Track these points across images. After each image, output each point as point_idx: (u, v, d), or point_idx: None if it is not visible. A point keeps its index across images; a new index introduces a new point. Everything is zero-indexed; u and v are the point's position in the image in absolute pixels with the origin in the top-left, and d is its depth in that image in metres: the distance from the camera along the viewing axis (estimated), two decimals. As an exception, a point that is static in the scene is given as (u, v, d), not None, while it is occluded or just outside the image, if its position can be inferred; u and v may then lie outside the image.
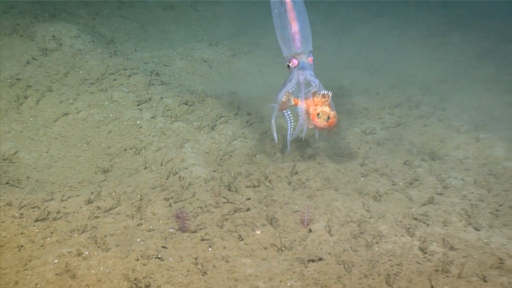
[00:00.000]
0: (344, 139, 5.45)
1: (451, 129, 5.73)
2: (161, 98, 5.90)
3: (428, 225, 4.08)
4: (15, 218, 3.85)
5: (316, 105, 4.51)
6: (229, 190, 4.45)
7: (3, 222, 3.78)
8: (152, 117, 5.54)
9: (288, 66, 4.59)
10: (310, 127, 4.64)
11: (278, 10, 4.66)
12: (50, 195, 4.26)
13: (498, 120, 5.96)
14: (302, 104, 4.56)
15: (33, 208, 4.01)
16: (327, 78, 6.99)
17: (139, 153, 5.07)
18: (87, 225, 3.87)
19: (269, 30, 8.61)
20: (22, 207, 3.99)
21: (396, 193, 4.53)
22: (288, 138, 4.79)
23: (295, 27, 4.56)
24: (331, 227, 3.93)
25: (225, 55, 7.43)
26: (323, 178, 4.71)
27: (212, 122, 5.54)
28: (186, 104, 5.83)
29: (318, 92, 4.55)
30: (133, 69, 6.43)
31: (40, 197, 4.18)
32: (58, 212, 3.99)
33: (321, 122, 4.51)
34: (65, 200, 4.20)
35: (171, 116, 5.58)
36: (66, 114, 5.54)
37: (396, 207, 4.32)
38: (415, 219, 4.14)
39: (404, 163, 5.05)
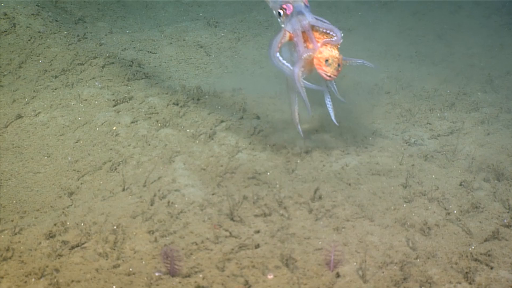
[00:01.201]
0: (382, 151, 5.35)
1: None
2: (145, 96, 5.82)
3: (492, 268, 4.01)
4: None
5: (321, 47, 4.35)
6: (232, 220, 4.38)
7: None
8: (132, 122, 5.47)
9: (280, 14, 4.45)
10: (308, 74, 4.51)
11: None
12: (5, 225, 4.20)
13: None
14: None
15: (-23, 244, 3.95)
16: (359, 70, 6.93)
17: (115, 169, 5.00)
18: (47, 266, 3.82)
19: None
20: (-38, 242, 3.94)
21: (450, 225, 4.45)
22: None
23: None
24: (365, 271, 3.86)
25: (227, 39, 7.34)
26: (355, 204, 4.62)
27: (211, 128, 5.45)
28: (177, 104, 5.75)
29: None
30: (108, 57, 6.37)
31: (-14, 229, 4.13)
32: (9, 249, 3.94)
33: (330, 71, 4.36)
34: (19, 232, 4.14)
35: (157, 121, 5.51)
36: (21, 117, 5.48)
37: (450, 244, 4.25)
38: (476, 260, 4.06)
39: (460, 184, 4.97)
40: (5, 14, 6.40)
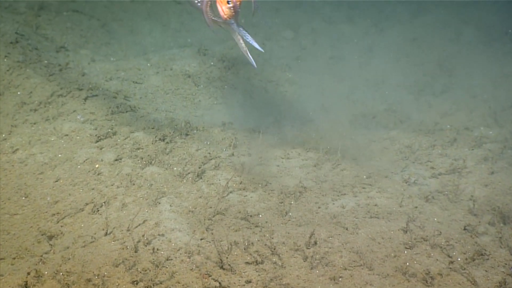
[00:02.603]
0: (380, 191, 5.28)
1: (528, 178, 5.57)
2: (130, 131, 5.75)
3: (498, 324, 3.93)
4: None
5: None
6: (222, 268, 4.29)
7: None
8: (116, 159, 5.39)
9: None
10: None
11: None
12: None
13: None
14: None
15: None
16: (353, 101, 6.87)
17: (98, 211, 4.92)
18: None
19: (277, 30, 8.56)
20: None
21: (455, 274, 4.38)
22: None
23: None
24: (364, 327, 3.78)
25: (216, 68, 7.28)
26: (352, 251, 4.55)
27: (199, 167, 5.39)
28: (163, 140, 5.69)
29: None
30: (91, 89, 6.31)
31: (-42, 279, 4.03)
32: (-18, 303, 3.84)
33: (227, 13, 4.36)
34: (-7, 284, 4.04)
35: (142, 158, 5.43)
36: (-2, 153, 5.38)
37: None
38: (482, 314, 3.99)
39: (464, 229, 4.90)
40: (-17, 43, 6.32)
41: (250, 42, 4.68)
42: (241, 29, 4.54)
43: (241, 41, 4.59)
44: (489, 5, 9.35)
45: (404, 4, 9.28)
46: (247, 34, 4.65)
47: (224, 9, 4.27)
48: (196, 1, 4.36)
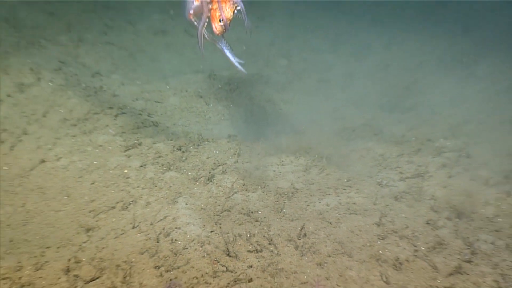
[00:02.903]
0: (358, 192, 5.31)
1: (479, 181, 5.59)
2: (152, 142, 5.77)
3: (455, 300, 3.95)
4: (-16, 293, 3.71)
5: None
6: (228, 255, 4.31)
7: (-30, 298, 3.65)
8: (141, 166, 5.41)
9: None
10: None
11: None
12: (26, 259, 4.11)
13: (532, 170, 5.83)
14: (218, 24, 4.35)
15: (4, 279, 3.87)
16: (337, 117, 6.88)
17: (126, 208, 4.93)
18: (66, 300, 3.73)
19: (273, 59, 8.57)
20: (-8, 278, 3.85)
21: (419, 261, 4.39)
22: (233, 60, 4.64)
23: None
24: (345, 304, 3.79)
25: (223, 90, 7.31)
26: (335, 241, 4.57)
27: (209, 172, 5.41)
28: (180, 150, 5.71)
29: None
30: (121, 107, 6.32)
31: (13, 265, 4.04)
32: (32, 284, 3.86)
33: (219, 30, 4.31)
34: (41, 268, 4.05)
35: (162, 165, 5.46)
36: (44, 161, 5.40)
37: (419, 278, 4.19)
38: (441, 293, 4.00)
39: (427, 223, 4.92)
40: (31, 69, 6.34)
41: (230, 58, 4.64)
42: (226, 45, 4.53)
43: (227, 52, 4.57)
44: (449, 39, 9.36)
45: (378, 37, 9.29)
46: (230, 51, 4.63)
47: (216, 26, 4.28)
48: (194, 21, 4.34)
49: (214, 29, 4.31)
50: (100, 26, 8.20)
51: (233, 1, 4.27)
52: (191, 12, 4.30)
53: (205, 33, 4.38)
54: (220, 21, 4.24)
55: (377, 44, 8.94)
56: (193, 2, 4.30)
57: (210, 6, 4.26)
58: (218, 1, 4.19)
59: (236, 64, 4.60)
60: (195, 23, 4.35)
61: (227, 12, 4.24)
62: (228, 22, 4.28)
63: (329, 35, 8.74)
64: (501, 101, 7.37)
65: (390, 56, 8.57)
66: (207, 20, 4.31)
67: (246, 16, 4.27)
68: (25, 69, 6.43)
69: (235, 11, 4.31)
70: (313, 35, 8.70)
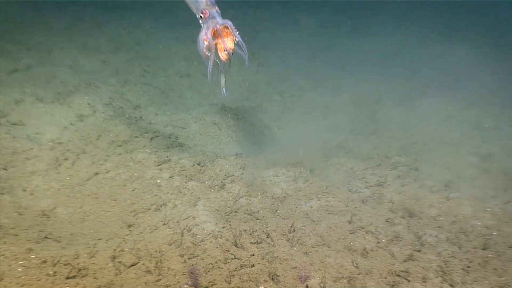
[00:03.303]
0: (334, 197, 5.25)
1: (425, 189, 5.53)
2: (178, 159, 5.72)
3: (409, 281, 3.88)
4: (50, 276, 3.65)
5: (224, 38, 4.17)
6: (236, 246, 4.25)
7: (38, 280, 3.58)
8: (170, 177, 5.37)
9: (201, 17, 4.22)
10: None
11: None
12: (83, 249, 4.05)
13: (465, 180, 5.77)
14: (223, 53, 4.20)
15: (66, 265, 3.81)
16: (317, 139, 6.85)
17: (158, 209, 4.88)
18: (112, 281, 3.67)
19: (269, 96, 8.54)
20: (56, 264, 3.79)
21: (380, 250, 4.33)
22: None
23: None
24: (325, 284, 3.73)
25: (232, 119, 7.28)
26: (317, 235, 4.51)
27: (221, 181, 5.36)
28: (199, 164, 5.66)
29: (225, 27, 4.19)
30: (155, 132, 6.29)
31: (72, 253, 3.98)
32: (86, 269, 3.79)
33: (225, 57, 4.20)
34: (94, 256, 3.99)
35: (186, 176, 5.41)
36: (97, 173, 5.36)
37: (381, 264, 4.12)
38: (398, 275, 3.94)
39: (386, 221, 4.86)
40: (89, 104, 6.31)
41: (222, 81, 4.57)
42: (223, 72, 4.47)
43: (222, 79, 4.52)
44: (400, 79, 9.35)
45: (348, 79, 9.28)
46: (224, 77, 4.55)
47: (222, 55, 4.24)
48: (205, 51, 4.28)
49: (221, 57, 4.27)
50: (140, 71, 8.18)
51: (233, 36, 4.24)
52: (204, 50, 4.27)
53: (216, 61, 4.33)
54: (224, 50, 4.21)
55: (347, 84, 8.92)
56: (203, 42, 4.27)
57: (215, 41, 4.22)
58: (221, 37, 4.16)
59: (223, 87, 4.55)
60: (208, 56, 4.29)
61: (229, 43, 4.20)
62: (231, 51, 4.24)
63: (311, 78, 8.72)
64: (441, 128, 7.34)
65: (357, 93, 8.54)
66: (215, 52, 4.27)
67: (245, 47, 4.22)
68: (84, 103, 6.40)
69: (236, 43, 4.18)
70: (299, 78, 8.69)
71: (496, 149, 6.55)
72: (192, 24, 10.42)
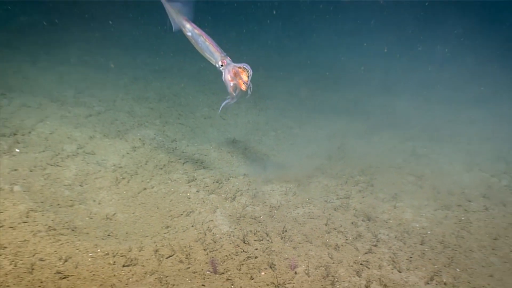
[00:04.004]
0: (314, 206, 5.16)
1: (378, 200, 5.45)
2: (203, 178, 5.65)
3: (369, 268, 3.78)
4: (110, 265, 3.56)
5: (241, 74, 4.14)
6: (244, 242, 4.16)
7: (102, 267, 3.49)
8: (196, 191, 5.29)
9: (222, 66, 4.17)
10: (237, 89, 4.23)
11: (191, 33, 4.20)
12: (134, 244, 3.97)
13: (406, 193, 5.69)
14: (244, 85, 4.15)
15: (122, 256, 3.72)
16: (301, 164, 6.77)
17: (188, 215, 4.80)
18: (156, 269, 3.58)
19: (268, 132, 8.50)
20: (115, 255, 3.71)
21: (348, 245, 4.23)
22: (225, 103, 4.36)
23: (211, 42, 4.19)
24: (309, 270, 3.63)
25: (242, 149, 7.23)
26: (303, 234, 4.42)
27: (233, 195, 5.28)
28: (217, 182, 5.59)
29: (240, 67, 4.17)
30: (186, 158, 6.24)
31: (126, 247, 3.90)
32: (136, 259, 3.70)
33: (244, 88, 4.13)
34: (142, 249, 3.91)
35: (208, 191, 5.33)
36: (145, 189, 5.29)
37: (349, 255, 4.03)
38: (361, 264, 3.85)
39: (352, 223, 4.77)
40: (140, 139, 6.28)
41: (228, 101, 4.42)
42: (235, 99, 4.37)
43: (231, 101, 4.41)
44: (359, 121, 9.30)
45: (324, 120, 9.23)
46: (227, 102, 4.43)
47: (242, 86, 4.15)
48: (230, 84, 4.23)
49: (242, 88, 4.18)
50: (176, 115, 8.18)
51: (247, 71, 4.12)
52: (230, 89, 4.16)
53: (233, 93, 4.19)
54: (243, 83, 4.16)
55: (323, 124, 8.89)
56: (229, 80, 4.22)
57: (236, 81, 4.18)
58: (238, 75, 4.13)
59: (224, 106, 4.31)
60: (233, 92, 4.18)
61: (245, 77, 4.12)
62: (247, 82, 4.19)
63: (298, 119, 8.71)
64: (388, 155, 7.27)
65: (330, 130, 8.50)
66: (236, 86, 4.15)
67: (250, 80, 4.13)
68: (136, 138, 6.37)
69: (249, 76, 4.13)
70: (288, 119, 8.66)
71: (427, 171, 6.48)
72: (212, 82, 10.42)
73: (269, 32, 18.41)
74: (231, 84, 4.18)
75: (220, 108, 4.27)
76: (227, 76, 4.16)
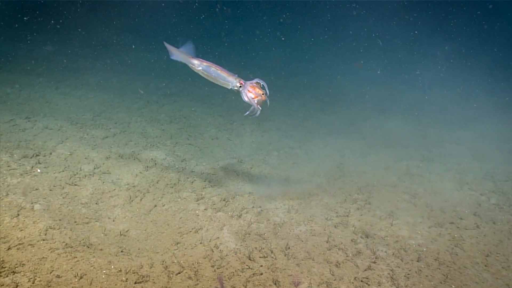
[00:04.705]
0: (316, 223, 5.06)
1: (376, 217, 5.35)
2: (211, 196, 5.58)
3: (369, 285, 3.68)
4: (123, 281, 3.47)
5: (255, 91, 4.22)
6: (250, 259, 4.06)
7: (115, 284, 3.40)
8: (205, 209, 5.22)
9: (240, 86, 4.19)
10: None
11: (201, 67, 4.23)
12: (145, 261, 3.88)
13: (401, 211, 5.59)
14: (265, 96, 4.25)
15: (134, 273, 3.63)
16: (302, 183, 6.68)
17: (197, 232, 4.72)
18: (165, 285, 3.48)
19: (271, 152, 8.45)
20: (127, 272, 3.62)
21: (348, 262, 4.13)
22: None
23: (222, 70, 4.20)
24: (311, 287, 3.52)
25: (246, 168, 7.15)
26: (305, 251, 4.32)
27: (239, 212, 5.20)
28: (224, 200, 5.52)
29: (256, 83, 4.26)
30: (195, 177, 6.18)
31: (138, 264, 3.81)
32: (148, 276, 3.61)
33: (260, 103, 4.23)
34: (153, 266, 3.82)
35: (215, 208, 5.26)
36: (156, 206, 5.22)
37: (349, 272, 3.92)
38: (361, 281, 3.74)
39: (351, 240, 4.66)
40: (152, 159, 6.24)
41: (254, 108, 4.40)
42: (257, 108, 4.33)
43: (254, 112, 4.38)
44: (357, 140, 9.22)
45: (322, 141, 9.15)
46: (256, 111, 4.41)
47: (264, 97, 4.19)
48: (255, 101, 4.24)
49: (264, 98, 4.23)
50: (186, 136, 8.15)
51: (260, 84, 4.19)
52: (256, 104, 4.23)
53: (259, 106, 4.28)
54: (264, 94, 4.18)
55: (321, 144, 8.82)
56: (249, 95, 4.23)
57: (257, 94, 4.20)
58: (257, 89, 4.17)
59: (253, 109, 4.33)
60: (259, 106, 4.26)
61: (259, 90, 4.16)
62: (262, 94, 4.22)
63: (298, 140, 8.65)
64: (383, 174, 7.18)
65: (328, 150, 8.42)
66: (258, 100, 4.24)
67: (267, 89, 4.22)
68: (149, 158, 6.35)
69: (265, 87, 4.20)
70: (289, 140, 8.62)
71: (420, 190, 6.39)
72: (219, 105, 10.42)
73: (270, 59, 18.52)
74: (256, 101, 4.24)
75: (249, 112, 4.30)
76: (249, 94, 4.21)
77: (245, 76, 4.48)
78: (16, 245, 3.73)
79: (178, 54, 4.17)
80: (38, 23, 17.14)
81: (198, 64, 4.17)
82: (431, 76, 16.87)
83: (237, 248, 4.27)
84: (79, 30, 17.17)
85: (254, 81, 4.18)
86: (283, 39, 21.59)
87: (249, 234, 4.71)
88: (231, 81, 4.19)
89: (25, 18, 17.48)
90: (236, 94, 4.31)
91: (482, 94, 13.96)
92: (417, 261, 4.23)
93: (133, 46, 16.14)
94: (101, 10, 20.44)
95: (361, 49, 20.57)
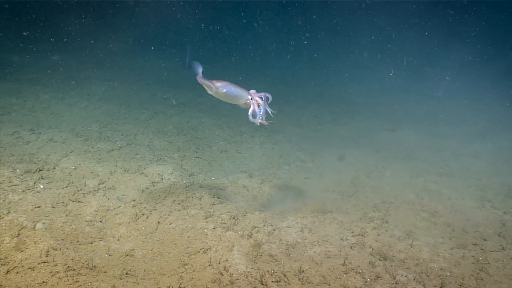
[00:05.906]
0: (331, 244, 4.89)
1: (394, 237, 5.17)
2: (220, 214, 5.45)
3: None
4: (128, 309, 3.33)
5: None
6: (262, 284, 3.91)
7: (120, 312, 3.26)
8: (213, 228, 5.10)
9: (251, 98, 4.20)
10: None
11: (224, 89, 4.20)
12: (151, 284, 3.74)
13: (420, 230, 5.40)
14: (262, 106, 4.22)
15: (140, 299, 3.49)
16: (314, 200, 6.52)
17: (205, 252, 4.58)
18: (173, 313, 3.34)
19: (281, 165, 8.30)
20: (133, 298, 3.47)
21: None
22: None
23: (233, 85, 4.16)
24: (328, 317, 3.34)
25: (257, 183, 7.01)
26: (320, 275, 4.16)
27: (250, 231, 5.06)
28: (234, 218, 5.39)
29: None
30: (203, 193, 6.07)
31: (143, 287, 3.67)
32: (155, 302, 3.47)
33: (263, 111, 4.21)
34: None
35: (225, 227, 5.13)
36: (162, 224, 5.10)
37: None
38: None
39: (369, 263, 4.49)
40: (158, 174, 6.15)
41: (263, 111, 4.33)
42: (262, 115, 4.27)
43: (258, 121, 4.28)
44: (371, 153, 9.05)
45: (334, 154, 8.99)
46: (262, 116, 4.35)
47: (262, 114, 4.19)
48: (256, 109, 4.21)
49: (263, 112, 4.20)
50: (194, 148, 8.05)
51: (262, 97, 4.20)
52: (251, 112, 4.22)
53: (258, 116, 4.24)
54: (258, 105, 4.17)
55: (333, 158, 8.69)
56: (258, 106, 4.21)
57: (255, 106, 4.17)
58: (257, 101, 4.15)
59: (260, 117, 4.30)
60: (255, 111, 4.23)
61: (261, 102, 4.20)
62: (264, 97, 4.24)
63: (309, 153, 8.53)
64: (400, 190, 6.99)
65: (340, 164, 8.27)
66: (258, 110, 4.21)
67: (268, 103, 4.23)
68: (156, 173, 6.26)
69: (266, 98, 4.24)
70: (301, 153, 8.51)
71: (440, 207, 6.19)
72: (228, 116, 10.34)
73: (278, 68, 18.47)
74: (261, 110, 4.22)
75: (258, 118, 4.26)
76: (259, 102, 4.21)
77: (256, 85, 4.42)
78: (16, 268, 3.62)
79: (206, 82, 4.19)
80: (43, 32, 17.36)
81: (219, 86, 4.14)
82: (446, 84, 16.64)
83: (248, 271, 4.12)
84: (87, 38, 17.34)
85: (263, 94, 4.15)
86: (305, 42, 21.54)
87: (261, 255, 4.57)
88: (245, 95, 4.16)
89: (30, 28, 17.72)
90: (244, 108, 4.24)
91: (495, 104, 13.72)
92: (441, 287, 4.04)
93: (145, 57, 16.23)
94: (108, 17, 20.69)
95: (379, 55, 20.42)
